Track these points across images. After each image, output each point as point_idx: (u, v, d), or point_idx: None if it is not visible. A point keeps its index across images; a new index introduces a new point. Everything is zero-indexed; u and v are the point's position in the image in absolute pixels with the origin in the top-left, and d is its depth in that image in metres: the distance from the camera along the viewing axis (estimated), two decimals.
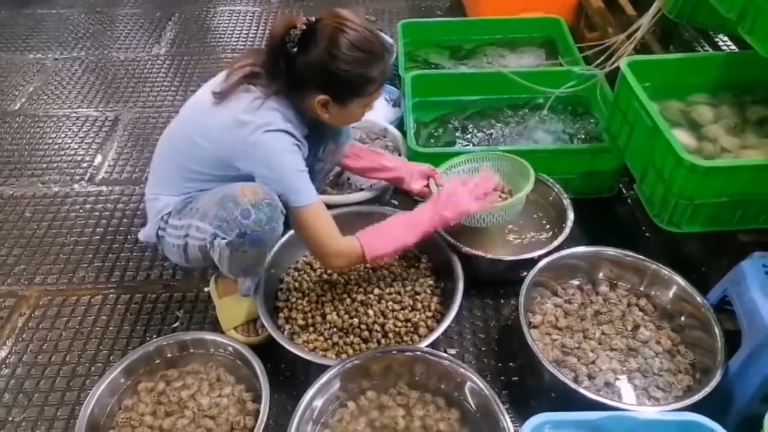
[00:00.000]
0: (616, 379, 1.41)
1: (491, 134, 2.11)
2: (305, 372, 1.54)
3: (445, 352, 1.51)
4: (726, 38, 2.47)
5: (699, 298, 1.47)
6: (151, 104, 2.62)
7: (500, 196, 1.72)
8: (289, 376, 1.54)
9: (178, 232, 1.42)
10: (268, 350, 1.50)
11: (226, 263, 1.39)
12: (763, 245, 1.41)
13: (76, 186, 2.19)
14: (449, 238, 1.65)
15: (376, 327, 1.51)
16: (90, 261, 1.89)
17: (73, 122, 2.51)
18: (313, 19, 1.31)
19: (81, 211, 2.07)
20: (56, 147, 2.37)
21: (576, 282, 1.64)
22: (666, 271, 1.56)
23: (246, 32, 3.17)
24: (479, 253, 1.63)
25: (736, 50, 2.27)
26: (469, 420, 1.35)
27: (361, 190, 1.88)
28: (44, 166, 2.28)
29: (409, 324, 1.52)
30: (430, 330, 1.50)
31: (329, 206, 1.50)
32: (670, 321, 1.54)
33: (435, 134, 2.13)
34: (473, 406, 1.35)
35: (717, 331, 1.39)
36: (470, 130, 2.13)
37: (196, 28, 3.21)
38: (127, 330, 1.68)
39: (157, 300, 1.76)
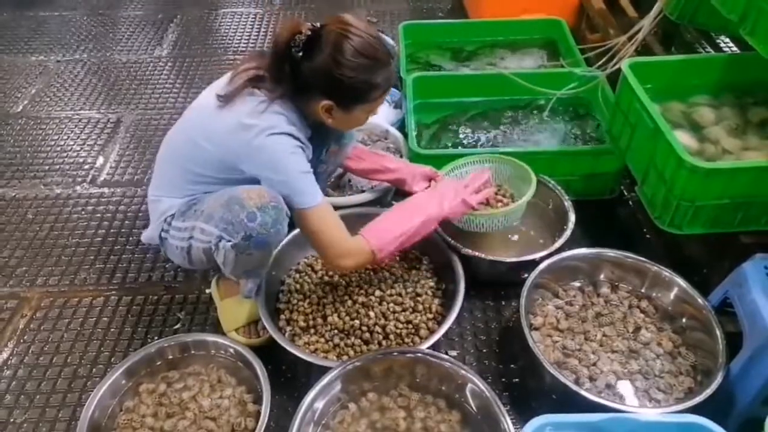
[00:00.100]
0: (618, 380, 1.41)
1: (493, 136, 2.11)
2: (306, 373, 1.54)
3: (446, 353, 1.51)
4: (727, 39, 2.47)
5: (700, 300, 1.47)
6: (153, 106, 2.63)
7: (501, 201, 1.72)
8: (290, 378, 1.55)
9: (182, 234, 1.42)
10: (269, 352, 1.51)
11: (230, 265, 1.39)
12: (765, 247, 1.41)
13: (78, 188, 2.19)
14: (450, 240, 1.65)
15: (377, 329, 1.51)
16: (92, 263, 1.89)
17: (75, 124, 2.52)
18: (318, 24, 1.32)
19: (83, 212, 2.08)
20: (58, 149, 2.38)
21: (577, 284, 1.64)
22: (667, 273, 1.56)
23: (248, 34, 3.17)
24: (480, 254, 1.63)
25: (738, 52, 2.27)
26: (470, 422, 1.34)
27: (363, 191, 1.88)
28: (46, 167, 2.29)
29: (410, 326, 1.52)
30: (431, 332, 1.50)
31: None
32: (671, 323, 1.53)
33: (436, 136, 2.13)
34: (474, 407, 1.35)
35: (718, 332, 1.39)
36: (471, 132, 2.13)
37: (198, 30, 3.22)
38: (128, 331, 1.68)
39: (159, 302, 1.76)
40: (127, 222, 2.03)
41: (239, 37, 3.15)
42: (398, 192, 1.88)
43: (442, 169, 1.75)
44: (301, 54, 1.30)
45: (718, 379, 1.30)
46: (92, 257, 1.91)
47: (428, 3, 3.40)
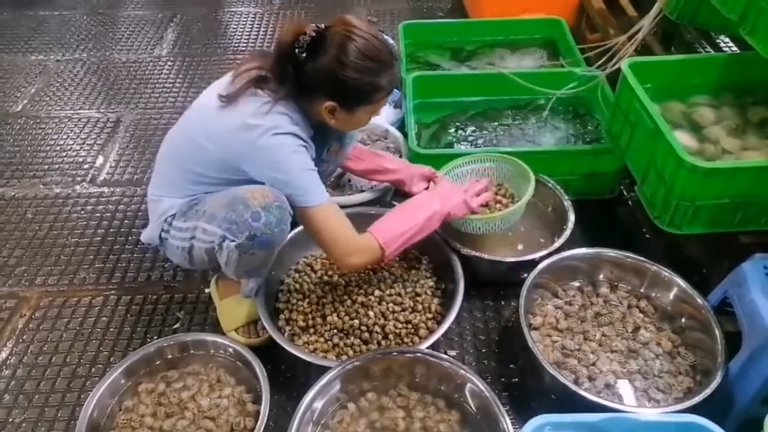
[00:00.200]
0: (617, 380, 1.41)
1: (492, 136, 2.11)
2: (305, 373, 1.54)
3: (446, 353, 1.51)
4: (727, 39, 2.47)
5: (699, 300, 1.47)
6: (153, 106, 2.63)
7: (501, 201, 1.72)
8: (290, 378, 1.55)
9: (184, 234, 1.42)
10: (268, 351, 1.51)
11: (232, 265, 1.39)
12: (764, 247, 1.41)
13: (77, 187, 2.19)
14: (449, 240, 1.65)
15: (377, 328, 1.51)
16: (91, 262, 1.89)
17: (74, 123, 2.52)
18: (323, 26, 1.32)
19: (82, 212, 2.08)
20: (58, 148, 2.38)
21: (576, 283, 1.64)
22: (666, 273, 1.56)
23: (248, 34, 3.17)
24: (480, 254, 1.63)
25: (738, 51, 2.27)
26: (470, 422, 1.34)
27: (362, 191, 1.88)
28: (46, 167, 2.29)
29: (410, 325, 1.52)
30: (431, 331, 1.50)
31: None
32: (670, 323, 1.53)
33: (436, 136, 2.13)
34: (473, 407, 1.35)
35: (717, 332, 1.39)
36: (471, 132, 2.13)
37: (197, 30, 3.22)
38: (127, 331, 1.68)
39: (158, 301, 1.76)
40: (126, 221, 2.03)
41: (239, 37, 3.15)
42: (398, 192, 1.88)
43: (442, 169, 1.76)
44: (305, 55, 1.30)
45: (717, 379, 1.30)
46: (91, 257, 1.91)
47: (428, 2, 3.40)
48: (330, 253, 1.43)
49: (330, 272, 1.65)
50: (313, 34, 1.30)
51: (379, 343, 1.50)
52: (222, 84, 1.41)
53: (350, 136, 1.67)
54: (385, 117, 2.19)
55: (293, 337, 1.54)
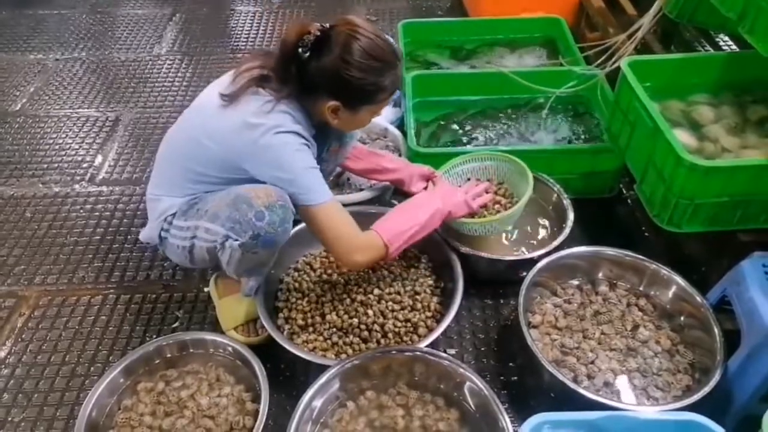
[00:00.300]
0: (616, 378, 1.41)
1: (492, 134, 2.11)
2: (305, 372, 1.54)
3: (445, 352, 1.50)
4: (727, 38, 2.47)
5: (698, 298, 1.47)
6: (152, 105, 2.62)
7: (500, 202, 1.72)
8: (289, 376, 1.55)
9: (184, 234, 1.42)
10: (267, 350, 1.51)
11: (234, 264, 1.39)
12: (763, 245, 1.41)
13: (76, 186, 2.19)
14: (449, 238, 1.65)
15: (376, 327, 1.51)
16: (90, 261, 1.89)
17: (73, 122, 2.51)
18: (327, 25, 1.32)
19: (81, 211, 2.08)
20: (57, 147, 2.38)
21: (575, 282, 1.64)
22: (665, 271, 1.56)
23: (247, 32, 3.17)
24: (479, 253, 1.63)
25: (737, 50, 2.27)
26: (469, 420, 1.34)
27: (361, 190, 1.88)
28: (45, 166, 2.28)
29: (409, 324, 1.52)
30: (430, 330, 1.50)
31: None
32: (669, 321, 1.53)
33: (435, 134, 2.13)
34: (472, 406, 1.35)
35: (716, 330, 1.39)
36: (471, 131, 2.12)
37: (197, 29, 3.22)
38: (126, 330, 1.68)
39: (157, 300, 1.76)
40: (125, 220, 2.03)
41: (238, 36, 3.15)
42: (397, 191, 1.88)
43: (441, 168, 1.76)
44: (309, 54, 1.30)
45: (716, 377, 1.30)
46: (91, 256, 1.91)
47: (427, 1, 3.40)
48: (334, 251, 1.43)
49: (329, 271, 1.65)
50: (318, 34, 1.30)
51: (378, 342, 1.50)
52: (222, 83, 1.41)
53: (350, 135, 1.67)
54: (384, 116, 2.19)
55: (292, 335, 1.54)
